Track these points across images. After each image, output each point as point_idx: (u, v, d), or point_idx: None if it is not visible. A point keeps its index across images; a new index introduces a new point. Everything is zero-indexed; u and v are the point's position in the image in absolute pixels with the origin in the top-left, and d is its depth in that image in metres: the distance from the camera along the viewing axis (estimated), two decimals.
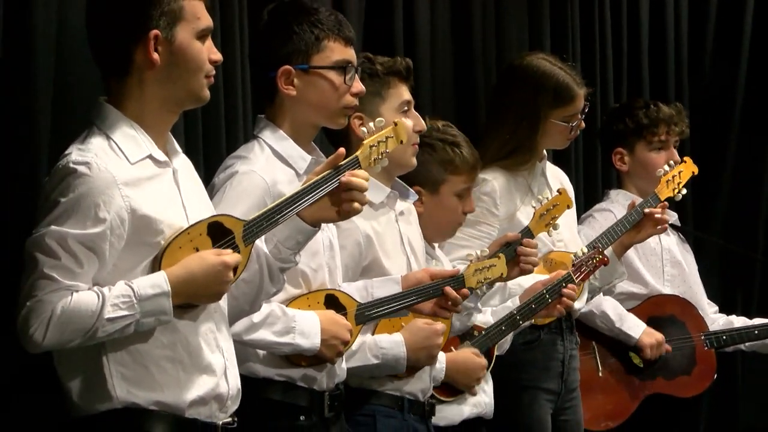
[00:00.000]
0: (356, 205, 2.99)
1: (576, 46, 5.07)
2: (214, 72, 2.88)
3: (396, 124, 3.11)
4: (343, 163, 2.99)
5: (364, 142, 3.05)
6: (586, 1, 5.16)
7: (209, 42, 2.87)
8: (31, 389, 3.37)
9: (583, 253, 4.01)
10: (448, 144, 3.81)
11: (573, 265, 3.98)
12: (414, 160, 3.59)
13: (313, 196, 2.95)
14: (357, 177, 2.99)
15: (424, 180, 3.76)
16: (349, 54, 3.33)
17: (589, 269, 4.01)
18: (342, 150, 2.98)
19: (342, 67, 3.30)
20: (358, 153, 3.02)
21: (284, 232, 3.00)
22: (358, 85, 3.33)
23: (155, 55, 2.80)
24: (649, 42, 5.35)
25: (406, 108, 3.57)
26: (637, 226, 4.19)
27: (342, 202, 2.99)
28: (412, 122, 3.49)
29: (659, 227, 4.22)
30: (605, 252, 4.09)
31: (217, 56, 2.89)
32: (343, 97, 3.31)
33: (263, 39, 3.37)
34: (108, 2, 2.86)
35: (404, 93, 3.59)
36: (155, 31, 2.79)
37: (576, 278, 3.95)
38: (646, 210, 4.17)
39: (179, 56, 2.82)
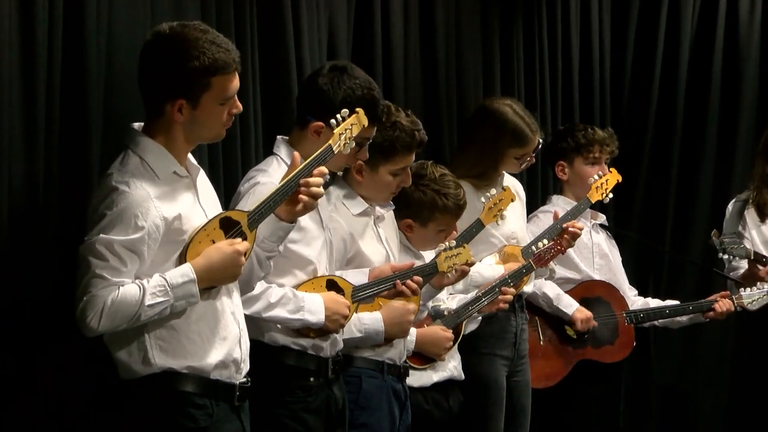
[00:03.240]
0: (312, 200, 2.94)
1: (521, 81, 5.06)
2: (231, 120, 2.88)
3: (357, 112, 3.08)
4: (318, 152, 2.96)
5: (335, 131, 3.01)
6: (529, 45, 5.12)
7: (233, 99, 2.84)
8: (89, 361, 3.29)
9: (544, 245, 3.97)
10: (439, 195, 3.71)
11: (534, 255, 3.95)
12: (389, 200, 3.56)
13: (295, 185, 2.90)
14: (313, 177, 2.94)
15: (415, 215, 3.72)
16: (370, 133, 3.26)
17: (548, 257, 3.97)
18: (297, 154, 2.97)
19: (358, 144, 3.21)
20: (330, 141, 2.99)
21: (268, 229, 2.97)
22: (364, 155, 3.29)
23: (178, 115, 2.80)
24: (579, 78, 5.34)
25: (401, 172, 3.50)
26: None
27: (298, 200, 2.93)
28: (402, 180, 3.50)
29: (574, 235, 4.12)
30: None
31: (237, 109, 2.87)
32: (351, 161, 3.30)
33: (317, 92, 3.24)
34: (152, 63, 2.84)
35: (408, 160, 3.50)
36: (181, 100, 2.79)
37: (536, 266, 3.92)
38: (564, 224, 4.09)
39: (199, 118, 2.82)
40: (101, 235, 2.71)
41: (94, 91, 3.39)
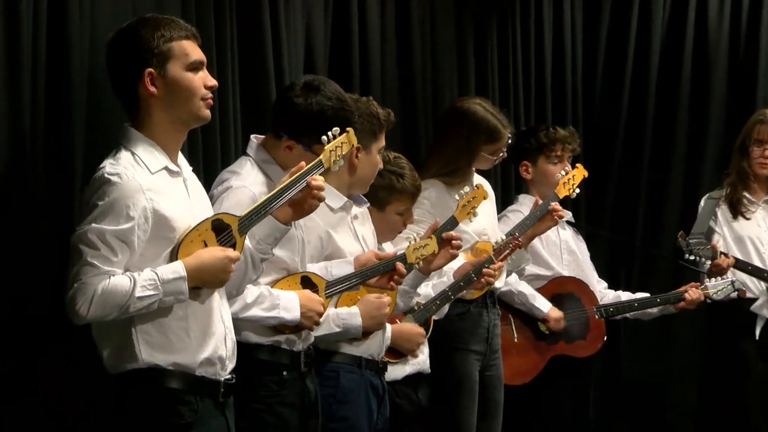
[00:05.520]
0: (316, 202, 3.00)
1: (494, 82, 5.11)
2: (210, 95, 2.88)
3: (348, 132, 3.12)
4: (309, 165, 2.99)
5: (326, 147, 3.04)
6: (502, 47, 5.17)
7: (203, 72, 2.87)
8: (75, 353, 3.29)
9: (503, 240, 4.04)
10: (395, 175, 3.77)
11: (494, 250, 3.99)
12: (368, 187, 3.61)
13: (288, 194, 2.96)
14: (317, 180, 3.00)
15: (372, 199, 3.72)
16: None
17: (508, 251, 4.02)
18: (303, 163, 3.00)
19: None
20: (321, 156, 3.03)
21: (265, 231, 3.01)
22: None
23: (152, 88, 2.83)
24: (552, 78, 5.37)
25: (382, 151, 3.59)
26: (539, 221, 4.20)
27: (305, 201, 2.99)
28: (379, 161, 3.57)
29: (555, 220, 4.22)
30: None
31: (212, 82, 2.89)
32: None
33: (290, 111, 3.26)
34: (114, 54, 2.89)
35: (384, 139, 3.59)
36: (149, 69, 2.82)
37: (497, 259, 3.96)
38: (551, 205, 4.18)
39: (173, 86, 2.84)
40: (93, 224, 2.72)
41: (78, 92, 3.43)
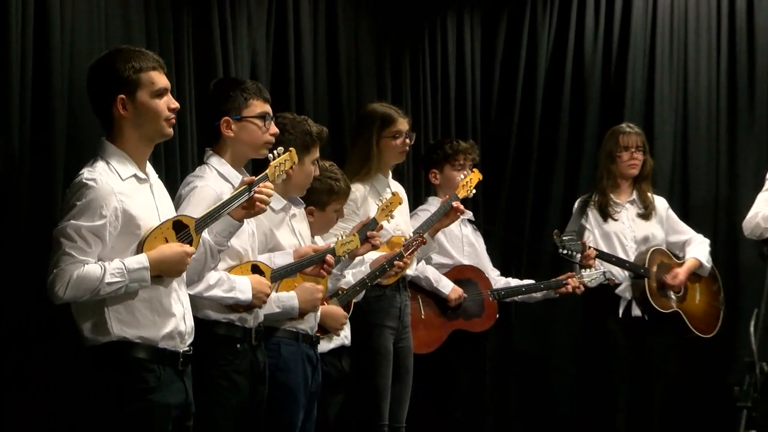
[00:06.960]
0: (264, 205, 3.23)
1: (408, 102, 5.32)
2: (173, 116, 3.07)
3: (290, 151, 3.36)
4: (257, 178, 3.24)
5: (271, 163, 3.29)
6: (414, 73, 5.38)
7: (168, 96, 3.06)
8: (57, 331, 3.43)
9: (410, 237, 4.29)
10: (333, 180, 4.00)
11: (403, 245, 4.24)
12: (305, 191, 3.84)
13: (238, 201, 3.19)
14: (266, 188, 3.24)
15: (316, 203, 3.97)
16: (267, 108, 3.49)
17: (414, 247, 4.27)
18: (253, 177, 3.24)
19: (262, 117, 3.47)
20: (267, 171, 3.27)
21: (221, 226, 3.23)
22: (274, 128, 3.49)
23: (123, 111, 3.02)
24: (455, 101, 5.60)
25: (316, 163, 3.82)
26: (443, 217, 4.45)
27: (254, 205, 3.22)
28: (315, 171, 3.80)
29: (458, 215, 4.46)
30: (425, 236, 4.36)
31: (175, 105, 3.08)
32: (264, 136, 3.47)
33: (210, 100, 3.53)
34: (92, 81, 3.09)
35: (318, 152, 3.82)
36: (121, 96, 3.01)
37: (405, 254, 4.20)
38: (453, 204, 4.42)
39: (141, 110, 3.03)
40: (72, 221, 2.89)
41: (59, 110, 3.56)
